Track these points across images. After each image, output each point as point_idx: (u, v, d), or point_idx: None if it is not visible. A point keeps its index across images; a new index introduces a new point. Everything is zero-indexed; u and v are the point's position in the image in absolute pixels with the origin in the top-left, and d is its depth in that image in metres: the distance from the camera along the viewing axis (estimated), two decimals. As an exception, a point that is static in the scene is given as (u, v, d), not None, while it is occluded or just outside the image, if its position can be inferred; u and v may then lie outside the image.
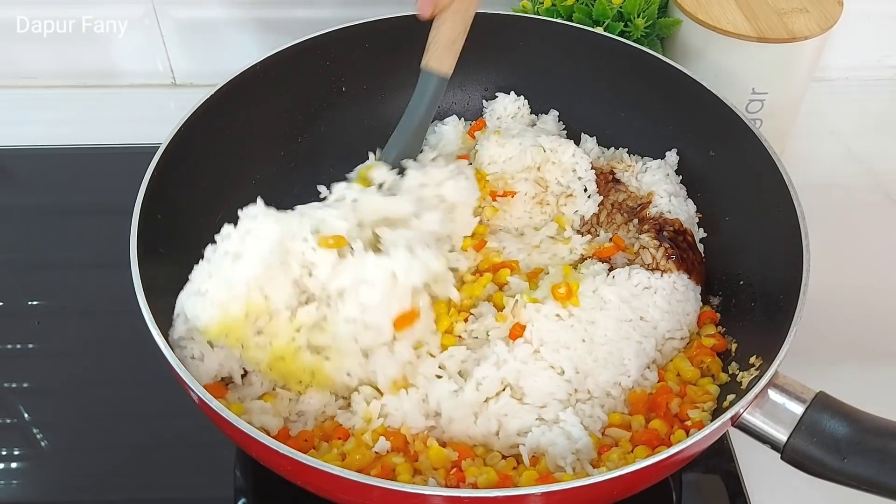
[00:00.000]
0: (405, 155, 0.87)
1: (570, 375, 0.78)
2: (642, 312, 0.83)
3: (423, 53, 0.85)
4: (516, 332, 0.80)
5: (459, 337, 0.83)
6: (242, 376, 0.80)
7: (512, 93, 1.06)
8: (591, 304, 0.82)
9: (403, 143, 0.86)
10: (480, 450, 0.77)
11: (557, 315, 0.81)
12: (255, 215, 0.75)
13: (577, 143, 1.01)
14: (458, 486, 0.72)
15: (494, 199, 0.95)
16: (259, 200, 0.77)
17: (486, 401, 0.77)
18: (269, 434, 0.73)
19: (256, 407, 0.78)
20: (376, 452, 0.74)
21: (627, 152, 1.01)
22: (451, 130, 1.04)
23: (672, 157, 0.98)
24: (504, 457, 0.76)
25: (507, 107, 1.05)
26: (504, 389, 0.78)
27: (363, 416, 0.77)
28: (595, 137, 1.03)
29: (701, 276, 0.90)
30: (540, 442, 0.75)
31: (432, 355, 0.81)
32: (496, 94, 1.07)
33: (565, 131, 1.05)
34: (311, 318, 0.74)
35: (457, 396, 0.76)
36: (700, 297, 0.89)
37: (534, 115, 1.06)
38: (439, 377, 0.79)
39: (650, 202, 0.94)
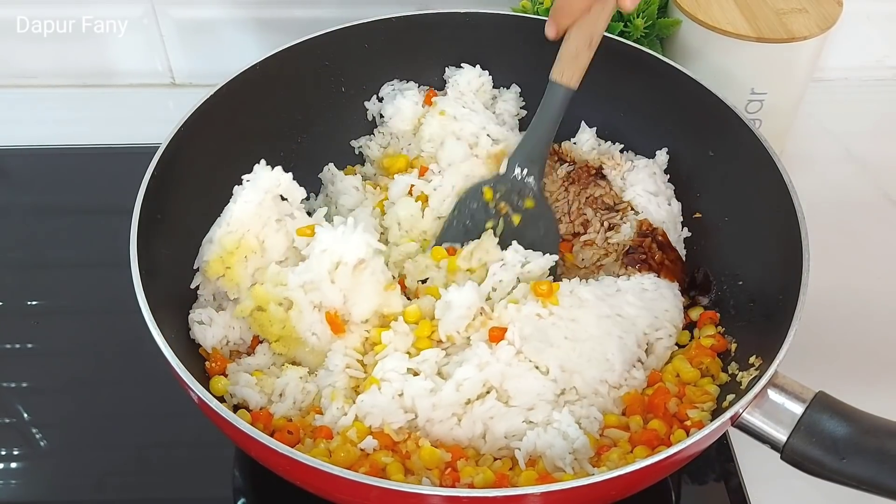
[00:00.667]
0: (531, 160, 0.92)
1: (556, 374, 0.78)
2: (618, 310, 0.84)
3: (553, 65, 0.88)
4: (496, 334, 0.80)
5: (439, 341, 0.82)
6: (249, 354, 0.84)
7: (477, 66, 1.04)
8: (569, 302, 0.83)
9: (529, 148, 0.92)
10: (471, 452, 0.76)
11: (538, 315, 0.81)
12: (256, 169, 0.86)
13: (576, 130, 1.02)
14: (453, 486, 0.72)
15: (423, 175, 0.97)
16: (262, 160, 0.87)
17: (468, 402, 0.77)
18: (248, 408, 0.78)
19: (243, 380, 0.79)
20: (363, 450, 0.74)
21: (621, 150, 1.02)
22: (408, 105, 1.03)
23: (661, 156, 0.98)
24: (496, 458, 0.76)
25: (471, 81, 1.03)
26: (489, 392, 0.77)
27: (338, 392, 0.78)
28: (595, 129, 1.03)
29: (675, 273, 0.90)
30: (536, 444, 0.74)
31: (407, 352, 0.81)
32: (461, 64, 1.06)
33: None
34: (278, 274, 0.83)
35: (433, 396, 0.76)
36: (679, 293, 0.90)
37: (496, 90, 1.06)
38: (416, 374, 0.78)
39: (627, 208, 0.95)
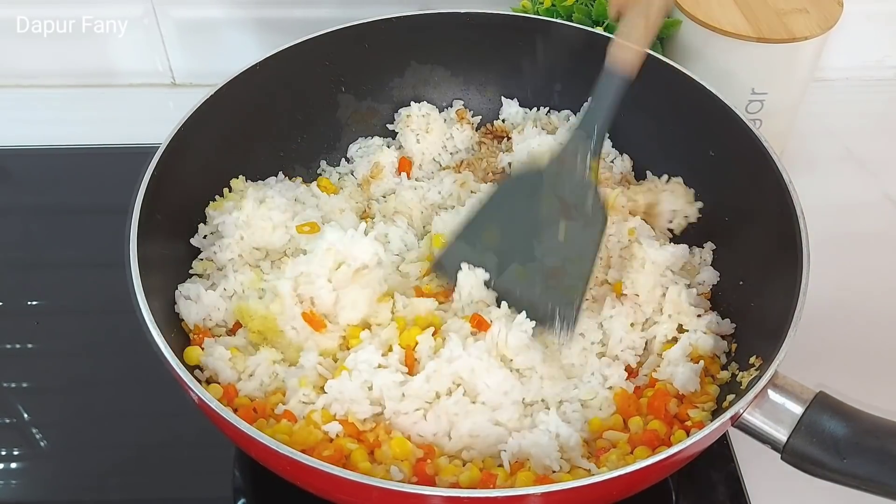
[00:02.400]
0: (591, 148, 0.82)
1: (535, 381, 0.79)
2: (604, 338, 0.85)
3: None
4: (478, 321, 0.80)
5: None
6: (230, 331, 0.84)
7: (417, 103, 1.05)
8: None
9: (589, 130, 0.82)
10: (437, 451, 0.75)
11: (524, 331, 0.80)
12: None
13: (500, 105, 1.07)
14: (426, 480, 0.71)
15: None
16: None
17: (437, 397, 0.76)
18: (217, 381, 0.77)
19: (217, 352, 0.78)
20: (326, 433, 0.73)
21: (546, 113, 1.05)
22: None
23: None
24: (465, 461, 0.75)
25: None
26: (458, 387, 0.76)
27: (307, 380, 0.77)
28: (516, 100, 1.06)
29: None
30: (521, 445, 0.74)
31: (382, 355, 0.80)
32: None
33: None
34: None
35: (402, 387, 0.75)
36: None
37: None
38: (384, 367, 0.77)
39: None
